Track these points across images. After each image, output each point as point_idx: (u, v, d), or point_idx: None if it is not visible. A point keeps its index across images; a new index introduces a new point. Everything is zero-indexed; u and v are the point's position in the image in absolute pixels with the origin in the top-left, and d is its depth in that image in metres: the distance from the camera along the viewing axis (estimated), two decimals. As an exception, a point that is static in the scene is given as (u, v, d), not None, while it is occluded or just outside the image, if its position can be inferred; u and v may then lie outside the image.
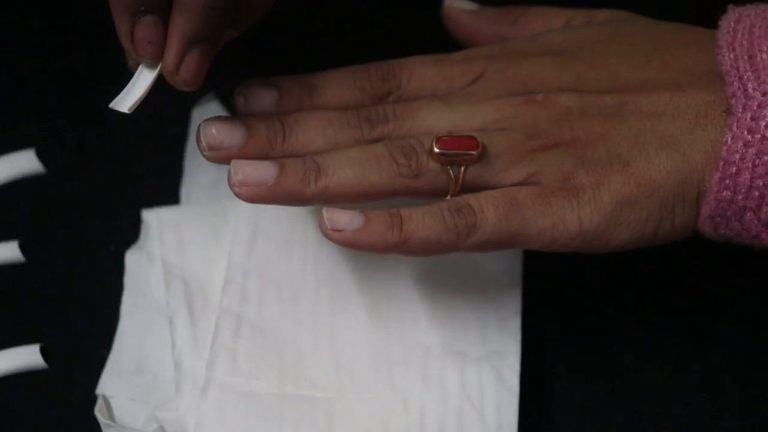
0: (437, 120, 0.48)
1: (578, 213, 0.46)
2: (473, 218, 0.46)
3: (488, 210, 0.46)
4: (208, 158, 0.47)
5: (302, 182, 0.46)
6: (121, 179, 0.58)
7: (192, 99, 0.59)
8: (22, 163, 0.58)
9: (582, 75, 0.50)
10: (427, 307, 0.53)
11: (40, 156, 0.58)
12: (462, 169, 0.47)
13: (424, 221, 0.46)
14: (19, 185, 0.57)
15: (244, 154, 0.47)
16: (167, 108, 0.60)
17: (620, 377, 0.53)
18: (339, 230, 0.45)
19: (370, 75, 0.51)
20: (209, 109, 0.58)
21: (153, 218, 0.55)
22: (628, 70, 0.49)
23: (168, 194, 0.57)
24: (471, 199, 0.46)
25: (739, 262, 0.54)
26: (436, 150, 0.46)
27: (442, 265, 0.54)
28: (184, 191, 0.57)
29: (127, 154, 0.59)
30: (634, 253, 0.49)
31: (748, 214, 0.46)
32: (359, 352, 0.52)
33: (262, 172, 0.46)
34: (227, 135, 0.47)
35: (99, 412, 0.49)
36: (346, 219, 0.45)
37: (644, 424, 0.52)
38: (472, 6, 0.56)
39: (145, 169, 0.59)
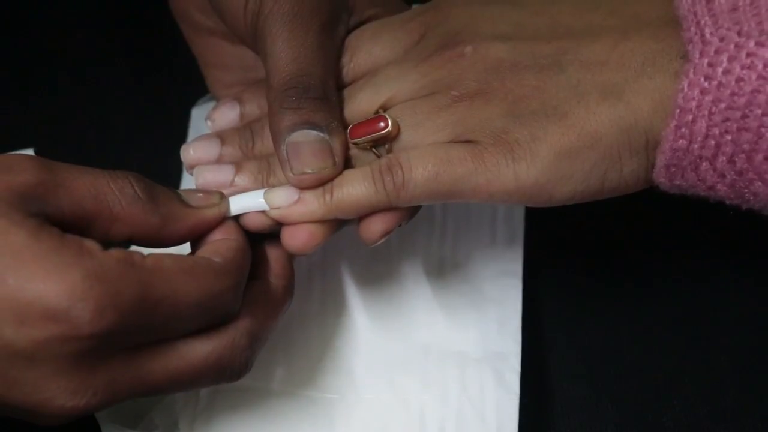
0: (371, 99, 0.48)
1: (514, 168, 0.45)
2: (401, 177, 0.45)
3: (417, 168, 0.45)
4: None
5: (256, 182, 0.47)
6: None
7: (192, 99, 0.59)
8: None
9: (521, 23, 0.48)
10: (427, 308, 0.53)
11: (40, 156, 0.58)
12: (387, 146, 0.47)
13: (353, 187, 0.46)
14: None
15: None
16: (167, 108, 0.60)
17: (620, 378, 0.53)
18: (278, 208, 0.46)
19: None
20: (208, 109, 0.57)
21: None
22: (572, 17, 0.47)
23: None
24: (402, 156, 0.46)
25: (739, 262, 0.54)
26: (352, 141, 0.47)
27: (442, 266, 0.54)
28: (184, 191, 0.57)
29: (127, 154, 0.59)
30: (634, 254, 0.49)
31: (704, 164, 0.44)
32: (359, 352, 0.52)
33: (221, 175, 0.47)
34: (204, 153, 0.49)
35: (98, 413, 0.49)
36: (283, 196, 0.46)
37: (644, 424, 0.52)
38: None
39: (145, 169, 0.58)
